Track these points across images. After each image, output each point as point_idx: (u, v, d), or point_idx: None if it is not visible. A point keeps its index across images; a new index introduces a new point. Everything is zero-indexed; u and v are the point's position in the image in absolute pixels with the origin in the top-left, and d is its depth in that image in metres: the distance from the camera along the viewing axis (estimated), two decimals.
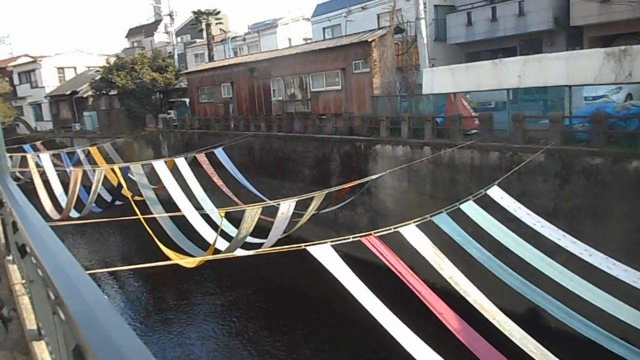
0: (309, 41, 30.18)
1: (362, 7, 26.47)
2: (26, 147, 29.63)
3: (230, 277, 18.23)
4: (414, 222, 8.51)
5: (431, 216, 8.82)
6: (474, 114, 14.85)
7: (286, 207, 11.20)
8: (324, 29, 29.68)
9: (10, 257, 6.41)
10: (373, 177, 12.51)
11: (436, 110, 15.98)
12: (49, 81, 43.28)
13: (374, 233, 8.04)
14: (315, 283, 16.85)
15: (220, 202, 17.66)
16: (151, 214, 16.18)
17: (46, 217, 19.68)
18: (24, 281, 5.16)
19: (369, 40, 16.77)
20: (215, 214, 13.84)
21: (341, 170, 18.84)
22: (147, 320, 16.04)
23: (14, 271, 5.93)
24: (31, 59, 44.76)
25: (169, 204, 16.76)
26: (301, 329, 14.50)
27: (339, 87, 18.58)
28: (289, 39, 35.99)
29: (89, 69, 43.72)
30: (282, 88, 21.37)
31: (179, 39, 48.07)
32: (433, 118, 14.88)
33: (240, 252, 12.13)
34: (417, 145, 15.59)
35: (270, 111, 22.50)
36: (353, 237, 7.83)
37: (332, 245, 7.75)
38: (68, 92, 39.92)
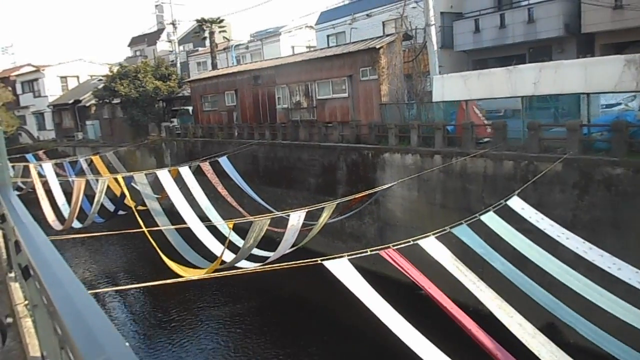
0: (312, 49, 29.98)
1: (367, 15, 26.25)
2: (29, 156, 29.37)
3: (234, 287, 17.80)
4: (433, 234, 8.12)
5: (451, 228, 8.44)
6: (485, 122, 14.52)
7: (296, 218, 10.83)
8: (328, 36, 29.46)
9: (12, 274, 6.06)
10: (384, 186, 12.14)
11: (446, 118, 15.65)
12: (52, 90, 43.11)
13: (393, 246, 7.65)
14: (322, 293, 16.52)
15: (224, 211, 17.30)
16: (154, 223, 15.88)
17: (48, 227, 19.35)
18: (26, 302, 4.79)
19: (377, 47, 16.48)
20: (223, 225, 13.45)
21: (348, 179, 18.49)
22: (150, 332, 15.61)
23: (16, 289, 5.57)
24: (34, 68, 44.63)
25: (171, 213, 16.41)
26: (310, 342, 14.07)
27: (346, 95, 18.28)
28: (292, 47, 35.81)
29: (92, 77, 43.59)
30: (287, 96, 21.09)
31: (181, 47, 47.97)
32: (444, 126, 14.55)
33: (250, 265, 11.74)
34: (427, 154, 15.24)
35: (275, 119, 22.20)
36: (371, 251, 7.45)
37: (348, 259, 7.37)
38: (71, 101, 39.73)
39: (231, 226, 10.06)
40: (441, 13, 23.36)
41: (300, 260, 7.05)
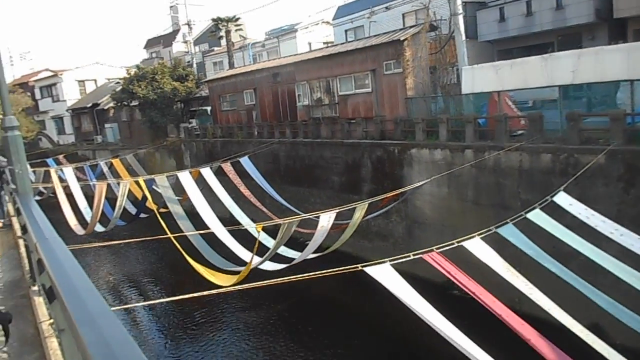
0: (330, 44, 29.45)
1: (387, 7, 25.63)
2: (49, 161, 29.43)
3: (259, 288, 17.41)
4: (479, 235, 7.57)
5: (496, 227, 7.87)
6: (519, 113, 13.86)
7: (326, 219, 10.36)
8: (346, 31, 28.90)
9: (35, 288, 5.71)
10: (417, 184, 11.58)
11: (476, 111, 15.01)
12: (70, 94, 43.35)
13: (436, 249, 7.12)
14: (350, 293, 16.07)
15: (245, 212, 16.92)
16: (176, 225, 15.59)
17: (70, 231, 19.26)
18: (51, 321, 4.40)
19: (402, 38, 15.89)
20: (251, 228, 13.05)
21: (373, 177, 17.96)
22: (173, 336, 15.31)
23: (40, 305, 5.19)
24: (52, 73, 44.96)
25: (192, 214, 16.11)
26: (341, 345, 13.60)
27: (369, 90, 17.72)
28: (309, 44, 35.31)
29: (109, 80, 43.72)
30: (308, 92, 20.61)
31: (197, 48, 47.87)
32: (475, 119, 13.91)
33: (276, 267, 11.32)
34: (457, 149, 14.62)
35: (296, 117, 21.75)
36: (414, 255, 6.94)
37: (376, 263, 6.87)
38: (89, 105, 39.87)
39: (260, 229, 9.63)
40: (463, 2, 22.63)
41: (341, 267, 6.57)
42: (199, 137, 28.07)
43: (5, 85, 6.66)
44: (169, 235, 10.41)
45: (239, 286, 9.31)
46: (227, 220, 15.80)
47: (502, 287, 7.78)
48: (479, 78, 13.86)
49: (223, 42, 46.41)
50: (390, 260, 6.71)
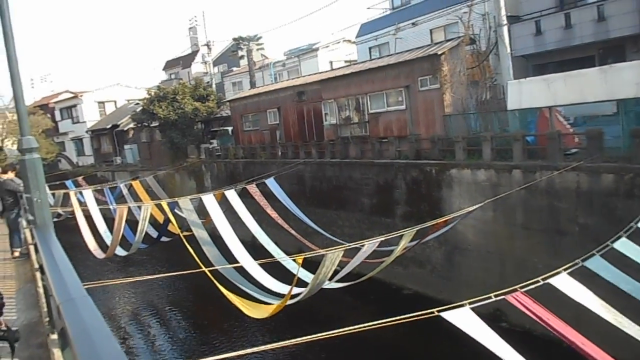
0: (352, 62, 28.76)
1: (413, 24, 24.87)
2: (68, 183, 28.98)
3: (287, 319, 16.35)
4: (564, 270, 6.47)
5: (583, 260, 6.77)
6: (571, 130, 12.79)
7: (371, 247, 9.34)
8: (370, 48, 28.17)
9: (54, 337, 4.82)
10: (471, 208, 10.50)
11: (522, 128, 13.97)
12: (90, 116, 43.28)
13: (520, 288, 6.05)
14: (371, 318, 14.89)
15: (272, 236, 15.95)
16: (200, 249, 14.75)
17: (90, 255, 18.59)
18: None
19: (439, 52, 15.01)
20: (285, 260, 12.09)
21: (408, 199, 16.92)
22: None
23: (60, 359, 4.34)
24: (72, 95, 45.05)
25: (214, 237, 15.23)
26: None
27: (403, 107, 16.81)
28: (331, 62, 34.73)
29: (129, 102, 43.63)
30: (335, 111, 19.79)
31: (215, 68, 47.76)
32: (523, 136, 12.87)
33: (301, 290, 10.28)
34: (503, 169, 13.56)
35: (322, 136, 20.90)
36: (495, 296, 5.87)
37: (466, 307, 5.81)
38: (109, 126, 39.65)
39: (300, 261, 8.64)
40: (494, 17, 21.79)
41: (413, 314, 5.52)
42: (220, 158, 27.37)
43: (23, 106, 5.87)
44: (204, 269, 9.47)
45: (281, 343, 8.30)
46: (249, 243, 14.84)
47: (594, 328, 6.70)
48: (527, 93, 12.87)
49: (242, 62, 46.33)
50: (469, 304, 5.65)
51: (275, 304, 10.62)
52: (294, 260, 9.24)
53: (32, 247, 5.18)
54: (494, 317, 14.44)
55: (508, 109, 13.61)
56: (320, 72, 24.31)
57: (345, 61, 33.69)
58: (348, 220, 19.83)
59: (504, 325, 14.20)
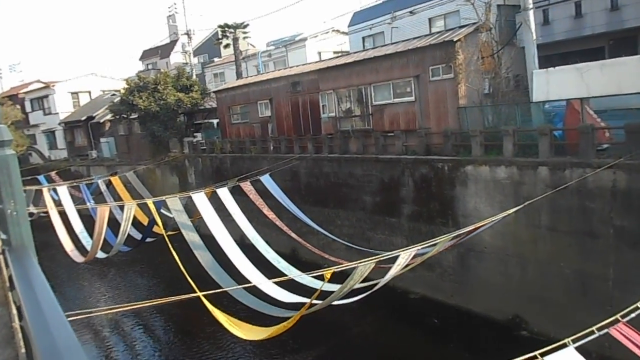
0: (343, 53, 27.45)
1: (411, 12, 23.72)
2: (40, 178, 26.96)
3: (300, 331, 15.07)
4: None
5: None
6: (602, 124, 11.81)
7: (405, 257, 8.12)
8: (363, 38, 26.93)
9: None
10: (505, 213, 9.36)
11: (546, 122, 12.95)
12: (63, 107, 40.87)
13: (622, 318, 4.90)
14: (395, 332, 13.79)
15: (262, 235, 14.59)
16: (186, 246, 13.39)
17: (67, 258, 17.10)
18: None
19: (455, 39, 13.83)
20: (306, 276, 10.78)
21: (416, 197, 15.78)
22: None
23: None
24: (43, 85, 42.50)
25: (204, 236, 13.85)
26: None
27: (412, 98, 15.60)
28: (319, 53, 33.35)
29: (104, 92, 41.41)
30: (335, 103, 18.47)
31: (195, 59, 45.74)
32: (551, 131, 11.82)
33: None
34: (527, 165, 12.51)
35: (319, 130, 19.57)
36: (597, 330, 4.69)
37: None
38: (83, 118, 37.44)
39: (328, 276, 7.35)
40: (498, 6, 20.77)
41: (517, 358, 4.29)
42: (206, 152, 25.77)
43: None
44: (199, 294, 8.06)
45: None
46: (237, 242, 13.45)
47: None
48: (555, 83, 11.83)
49: (224, 52, 44.49)
50: (573, 342, 4.46)
51: (278, 326, 9.27)
52: (318, 276, 7.92)
53: (5, 279, 3.75)
54: (512, 323, 13.52)
55: (533, 100, 12.54)
56: (317, 61, 22.91)
57: (335, 52, 32.36)
58: (347, 219, 18.61)
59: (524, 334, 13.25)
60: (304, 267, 13.73)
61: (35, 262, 3.51)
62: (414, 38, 16.99)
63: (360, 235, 18.02)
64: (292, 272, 13.29)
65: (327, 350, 14.16)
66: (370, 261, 7.52)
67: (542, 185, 12.34)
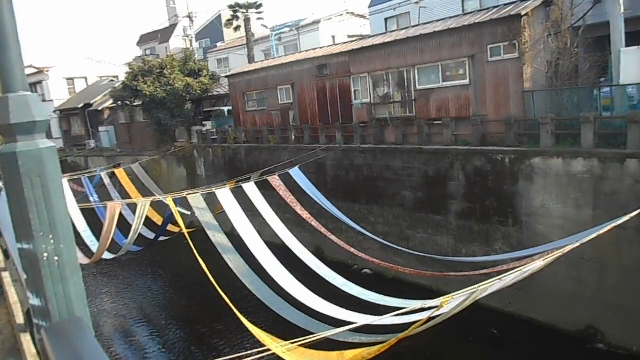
0: (357, 37, 25.53)
1: None
2: None
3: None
4: None
5: None
6: None
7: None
8: (386, 20, 25.07)
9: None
10: (627, 217, 7.65)
11: (631, 108, 11.23)
12: (58, 94, 38.66)
13: None
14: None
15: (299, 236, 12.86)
16: (209, 247, 11.66)
17: None
18: None
19: (522, 13, 12.02)
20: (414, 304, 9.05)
21: (467, 193, 14.07)
22: None
23: None
24: (36, 70, 40.19)
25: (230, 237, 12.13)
26: None
27: (465, 81, 13.81)
28: (333, 37, 31.44)
29: (102, 79, 39.24)
30: (369, 87, 16.64)
31: (197, 44, 43.56)
32: None
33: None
34: (612, 158, 10.82)
35: (350, 118, 17.76)
36: None
37: None
38: (80, 105, 35.30)
39: (444, 304, 5.62)
40: None
41: None
42: (217, 142, 23.87)
43: None
44: (236, 311, 6.28)
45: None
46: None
47: None
48: None
49: (227, 37, 42.33)
50: None
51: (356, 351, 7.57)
52: (434, 306, 6.18)
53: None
54: (585, 335, 11.97)
55: (620, 82, 10.80)
56: (348, 42, 20.90)
57: (348, 36, 30.47)
58: (382, 217, 16.90)
59: (601, 347, 11.71)
60: (330, 267, 12.10)
61: (100, 349, 1.77)
62: (469, 13, 15.13)
63: (398, 234, 16.34)
64: (337, 280, 11.65)
65: None
66: (489, 285, 5.79)
67: (631, 180, 10.67)
